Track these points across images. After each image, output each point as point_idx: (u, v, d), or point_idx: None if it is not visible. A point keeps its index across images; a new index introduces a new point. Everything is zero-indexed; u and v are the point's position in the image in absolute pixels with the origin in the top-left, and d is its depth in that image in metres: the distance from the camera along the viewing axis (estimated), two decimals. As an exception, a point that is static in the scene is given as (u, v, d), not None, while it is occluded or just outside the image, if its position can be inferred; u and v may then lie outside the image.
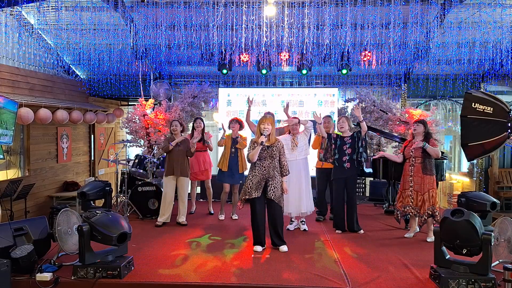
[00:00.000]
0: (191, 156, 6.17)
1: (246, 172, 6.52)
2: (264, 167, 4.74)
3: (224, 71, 8.01)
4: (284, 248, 4.78)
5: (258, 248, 4.77)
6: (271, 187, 4.72)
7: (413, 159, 5.24)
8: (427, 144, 5.12)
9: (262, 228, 4.82)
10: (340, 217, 5.70)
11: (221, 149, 6.70)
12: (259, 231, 4.80)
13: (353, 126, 5.75)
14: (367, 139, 5.67)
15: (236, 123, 6.32)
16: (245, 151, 7.00)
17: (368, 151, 8.25)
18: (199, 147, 6.65)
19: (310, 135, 5.95)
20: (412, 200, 5.26)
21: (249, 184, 4.75)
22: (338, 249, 4.88)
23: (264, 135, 4.65)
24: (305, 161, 5.69)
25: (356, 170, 5.65)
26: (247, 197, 4.76)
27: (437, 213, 5.11)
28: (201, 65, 8.52)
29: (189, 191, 7.11)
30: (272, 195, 4.71)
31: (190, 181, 6.49)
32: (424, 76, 8.61)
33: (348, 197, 5.66)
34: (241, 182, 6.41)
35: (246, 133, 6.67)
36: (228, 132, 6.42)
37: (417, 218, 5.39)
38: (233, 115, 8.30)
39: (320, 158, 5.88)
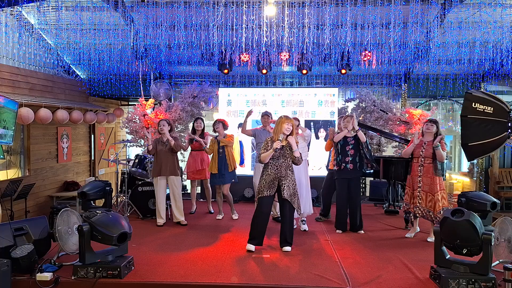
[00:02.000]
0: (176, 151, 6.06)
1: (245, 173, 6.57)
2: (277, 166, 4.74)
3: (226, 71, 8.01)
4: (287, 248, 4.77)
5: (251, 247, 4.75)
6: (284, 186, 4.71)
7: (423, 159, 5.18)
8: (439, 146, 5.07)
9: (263, 227, 4.81)
10: (342, 217, 5.69)
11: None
12: (259, 230, 4.78)
13: (357, 127, 5.67)
14: (368, 145, 5.66)
15: (219, 123, 6.36)
16: (247, 150, 7.00)
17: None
18: (197, 147, 6.67)
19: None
20: (420, 201, 5.21)
21: (263, 183, 4.75)
22: (338, 249, 4.88)
23: (280, 139, 4.65)
24: (303, 164, 5.67)
25: (359, 171, 5.63)
26: (259, 195, 4.75)
27: None
28: (201, 65, 8.51)
29: (189, 191, 7.13)
30: (286, 194, 4.72)
31: (182, 180, 6.51)
32: (424, 76, 8.60)
33: (351, 198, 5.65)
34: (233, 180, 6.43)
35: (231, 130, 6.68)
36: (214, 135, 6.45)
37: (418, 218, 5.37)
38: (233, 115, 8.32)
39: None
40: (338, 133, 5.80)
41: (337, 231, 5.68)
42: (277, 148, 4.65)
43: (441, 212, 5.05)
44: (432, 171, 5.13)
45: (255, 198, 4.87)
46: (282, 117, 4.82)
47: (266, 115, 6.35)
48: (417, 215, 5.27)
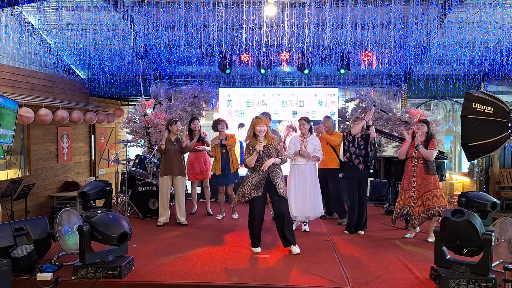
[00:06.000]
0: (186, 152, 6.15)
1: (240, 171, 6.57)
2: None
3: (228, 71, 8.01)
4: (296, 249, 4.68)
5: (258, 249, 4.76)
6: (278, 185, 4.67)
7: (416, 160, 5.22)
8: (420, 145, 5.14)
9: (260, 229, 4.80)
10: (357, 219, 5.67)
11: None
12: (257, 232, 4.77)
13: (371, 122, 5.72)
14: (375, 144, 5.67)
15: (223, 124, 6.36)
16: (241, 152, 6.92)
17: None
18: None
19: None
20: (415, 201, 5.23)
21: (249, 185, 4.66)
22: (338, 249, 4.88)
23: (261, 141, 4.64)
24: (313, 167, 5.65)
25: (368, 171, 5.65)
26: (246, 198, 4.67)
27: None
28: (201, 65, 8.51)
29: (190, 191, 7.13)
30: (282, 192, 4.68)
31: (187, 180, 6.50)
32: (424, 76, 8.60)
33: (360, 197, 5.66)
34: (236, 181, 6.44)
35: (232, 130, 6.70)
36: (215, 135, 6.44)
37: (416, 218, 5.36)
38: (233, 115, 8.31)
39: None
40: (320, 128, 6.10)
41: (345, 231, 5.66)
42: (261, 151, 4.62)
43: (436, 208, 5.07)
44: (424, 171, 5.16)
45: (237, 200, 4.75)
46: (253, 119, 4.78)
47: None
48: (411, 213, 5.28)
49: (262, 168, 4.65)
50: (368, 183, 8.52)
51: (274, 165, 4.72)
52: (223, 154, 6.27)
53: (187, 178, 6.78)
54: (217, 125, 6.36)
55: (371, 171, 6.51)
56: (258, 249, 4.76)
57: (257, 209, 4.71)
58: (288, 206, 4.80)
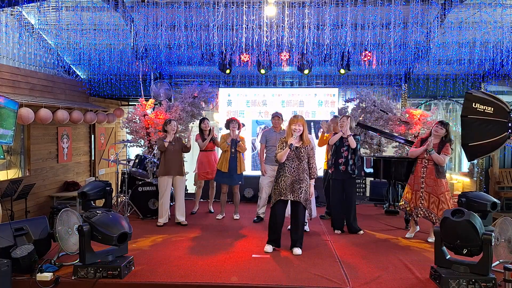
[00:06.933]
0: (187, 152, 6.18)
1: (245, 173, 6.56)
2: (293, 168, 4.66)
3: (228, 71, 8.02)
4: (298, 251, 4.68)
5: (269, 248, 4.73)
6: (301, 189, 4.66)
7: (426, 161, 5.12)
8: (433, 150, 5.03)
9: (280, 228, 4.81)
10: (338, 217, 5.69)
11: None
12: (278, 232, 4.78)
13: (354, 127, 5.72)
14: (357, 152, 5.63)
15: (236, 123, 6.34)
16: (251, 151, 6.97)
17: (368, 151, 8.27)
18: (210, 147, 6.69)
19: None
20: (423, 202, 5.15)
21: (283, 185, 4.65)
22: (338, 249, 4.88)
23: (294, 137, 4.60)
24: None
25: (352, 173, 5.61)
26: (282, 198, 4.67)
27: None
28: (201, 65, 8.52)
29: (191, 191, 7.12)
30: (303, 198, 4.67)
31: (188, 180, 6.49)
32: (424, 76, 8.61)
33: (346, 199, 5.64)
34: (240, 183, 6.43)
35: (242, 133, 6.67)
36: (226, 132, 6.42)
37: (417, 218, 5.34)
38: (233, 115, 8.30)
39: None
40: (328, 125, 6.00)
41: (336, 231, 5.67)
42: (291, 144, 4.55)
43: (433, 216, 5.05)
44: (435, 173, 5.07)
45: (275, 198, 4.74)
46: (291, 117, 4.76)
47: (276, 116, 6.20)
48: (419, 215, 5.22)
49: (309, 197, 4.74)
50: (368, 183, 8.59)
51: (302, 170, 4.68)
52: (231, 153, 6.26)
53: (188, 177, 6.79)
54: (230, 123, 6.35)
55: (369, 169, 6.52)
56: (270, 248, 4.72)
57: (281, 209, 4.74)
58: (305, 211, 4.79)
